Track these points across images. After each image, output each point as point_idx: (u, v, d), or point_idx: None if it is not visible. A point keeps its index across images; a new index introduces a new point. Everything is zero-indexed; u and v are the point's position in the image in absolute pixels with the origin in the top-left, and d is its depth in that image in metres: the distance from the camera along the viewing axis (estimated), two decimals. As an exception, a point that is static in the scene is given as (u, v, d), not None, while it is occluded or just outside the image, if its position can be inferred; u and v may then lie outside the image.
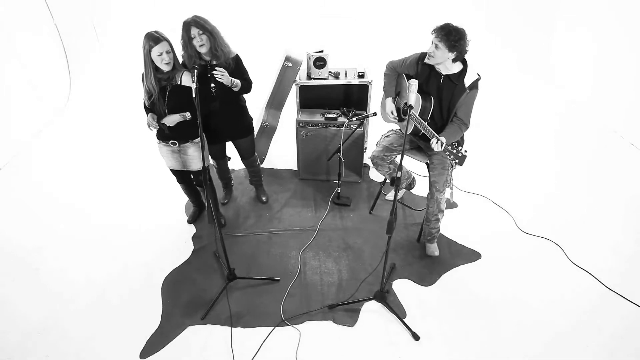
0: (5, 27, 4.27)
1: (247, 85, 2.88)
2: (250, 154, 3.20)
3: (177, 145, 2.69)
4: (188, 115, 2.52)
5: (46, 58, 4.93)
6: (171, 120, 2.53)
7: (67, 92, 5.21)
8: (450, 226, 3.12)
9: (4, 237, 3.16)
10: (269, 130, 3.66)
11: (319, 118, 3.43)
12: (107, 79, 5.53)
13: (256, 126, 3.69)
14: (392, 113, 2.76)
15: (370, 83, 3.46)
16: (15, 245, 3.08)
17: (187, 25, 2.49)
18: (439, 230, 2.87)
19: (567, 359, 2.27)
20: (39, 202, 3.51)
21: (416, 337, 2.37)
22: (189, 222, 3.25)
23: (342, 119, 3.39)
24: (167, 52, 2.37)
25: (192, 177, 2.95)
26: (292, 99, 3.55)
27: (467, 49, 2.31)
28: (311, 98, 3.56)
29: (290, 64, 3.36)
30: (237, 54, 2.73)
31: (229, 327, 2.44)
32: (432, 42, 2.33)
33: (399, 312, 2.49)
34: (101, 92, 5.34)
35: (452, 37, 2.24)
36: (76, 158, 4.13)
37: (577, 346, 2.32)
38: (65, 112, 4.97)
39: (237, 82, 2.64)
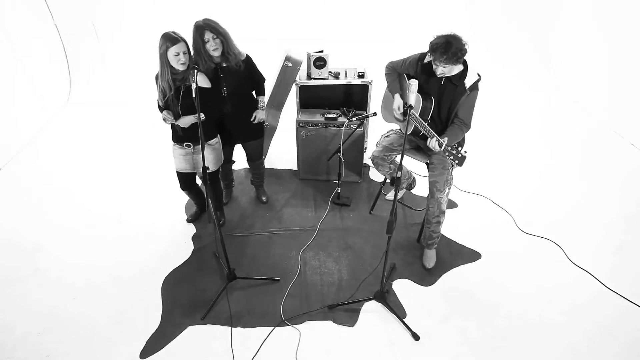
0: (5, 27, 4.27)
1: (258, 87, 2.91)
2: (259, 157, 3.21)
3: (192, 147, 2.71)
4: (202, 116, 2.53)
5: (46, 58, 4.93)
6: (185, 122, 2.55)
7: (67, 92, 5.21)
8: (450, 226, 3.11)
9: (4, 237, 3.16)
10: (269, 130, 3.66)
11: (319, 118, 3.43)
12: (108, 78, 5.53)
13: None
14: (398, 108, 2.69)
15: (370, 83, 3.46)
16: (14, 245, 3.07)
17: (201, 29, 2.49)
18: (440, 235, 2.82)
19: (568, 359, 2.27)
20: (39, 202, 3.51)
21: (416, 337, 2.37)
22: (189, 221, 3.25)
23: (342, 119, 3.39)
24: (184, 53, 2.38)
25: (198, 176, 2.97)
26: (292, 99, 3.55)
27: (466, 51, 2.28)
28: (311, 98, 3.56)
29: (290, 64, 3.36)
30: (247, 55, 2.75)
31: (229, 327, 2.44)
32: (438, 65, 2.28)
33: (399, 312, 2.49)
34: (101, 91, 5.34)
35: (455, 56, 2.20)
36: (76, 158, 4.13)
37: (578, 345, 2.32)
38: (66, 112, 4.97)
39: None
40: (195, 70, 2.18)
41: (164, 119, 2.56)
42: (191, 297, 2.65)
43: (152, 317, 2.52)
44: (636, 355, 2.27)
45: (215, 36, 2.50)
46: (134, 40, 5.37)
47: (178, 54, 2.35)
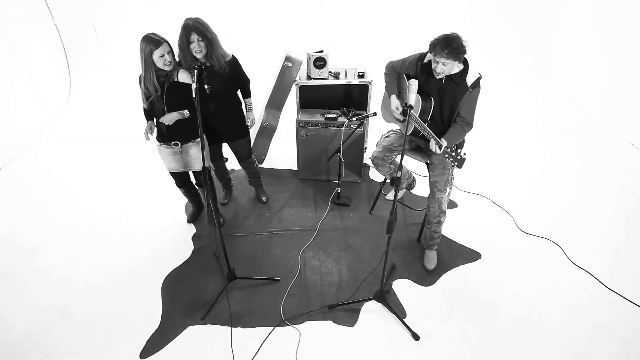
0: (5, 27, 4.27)
1: (243, 89, 2.89)
2: (247, 156, 3.20)
3: (180, 146, 2.70)
4: (186, 113, 2.53)
5: (46, 58, 4.93)
6: (169, 118, 2.53)
7: (67, 92, 5.22)
8: (450, 226, 3.11)
9: (4, 237, 3.16)
10: (269, 130, 3.66)
11: (319, 118, 3.43)
12: (107, 78, 5.53)
13: (256, 126, 3.70)
14: (397, 109, 2.69)
15: (370, 83, 3.46)
16: (14, 245, 3.07)
17: (188, 30, 2.48)
18: (441, 235, 2.83)
19: (568, 359, 2.27)
20: (39, 202, 3.51)
21: (416, 337, 2.37)
22: (189, 222, 3.25)
23: (342, 119, 3.39)
24: (169, 53, 2.38)
25: (192, 178, 2.96)
26: (292, 99, 3.55)
27: (466, 49, 2.29)
28: (311, 98, 3.56)
29: (290, 64, 3.36)
30: (233, 56, 2.72)
31: (229, 327, 2.44)
32: (438, 62, 2.27)
33: (399, 312, 2.50)
34: (101, 92, 5.34)
35: (455, 51, 2.20)
36: (76, 158, 4.13)
37: (577, 345, 2.32)
38: (66, 112, 4.97)
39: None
40: (195, 71, 2.18)
41: (144, 132, 2.52)
42: (191, 297, 2.65)
43: (152, 317, 2.52)
44: (636, 355, 2.27)
45: (200, 39, 2.49)
46: (134, 41, 5.37)
47: (163, 55, 2.35)
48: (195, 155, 2.72)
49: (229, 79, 2.73)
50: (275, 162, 3.99)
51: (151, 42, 2.31)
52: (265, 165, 3.91)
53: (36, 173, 3.90)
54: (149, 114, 2.61)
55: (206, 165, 2.79)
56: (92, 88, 5.36)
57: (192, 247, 3.04)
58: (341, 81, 3.47)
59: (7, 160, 4.03)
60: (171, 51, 2.40)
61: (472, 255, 2.93)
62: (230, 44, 2.71)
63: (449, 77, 2.40)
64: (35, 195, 3.60)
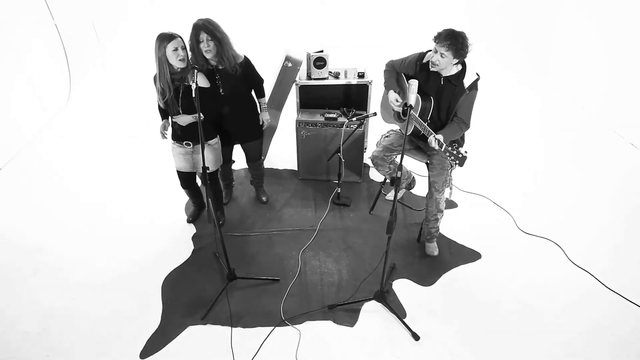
0: (5, 27, 4.27)
1: (257, 89, 2.90)
2: (257, 157, 3.22)
3: (192, 146, 2.72)
4: (201, 116, 2.54)
5: (46, 58, 4.93)
6: (183, 120, 2.57)
7: (67, 92, 5.21)
8: (450, 226, 3.12)
9: (4, 236, 3.16)
10: (268, 130, 3.66)
11: (319, 118, 3.43)
12: (107, 78, 5.53)
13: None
14: (396, 100, 2.65)
15: (370, 83, 3.46)
16: (14, 245, 3.07)
17: (197, 29, 2.48)
18: (439, 230, 2.87)
19: (567, 358, 2.27)
20: (39, 202, 3.51)
21: (416, 337, 2.37)
22: (189, 221, 3.26)
23: (342, 119, 3.40)
24: (182, 48, 2.39)
25: (198, 180, 3.00)
26: (292, 99, 3.55)
27: (468, 51, 2.30)
28: (311, 98, 3.56)
29: (290, 64, 3.36)
30: (245, 57, 2.73)
31: (229, 327, 2.44)
32: (437, 51, 2.29)
33: (399, 312, 2.50)
34: (101, 91, 5.34)
35: (458, 45, 2.23)
36: (76, 158, 4.13)
37: (577, 345, 2.32)
38: (66, 112, 4.97)
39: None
40: (196, 71, 2.18)
41: (160, 132, 2.69)
42: (191, 297, 2.65)
43: (152, 317, 2.52)
44: (636, 354, 2.27)
45: (209, 38, 2.49)
46: (134, 40, 5.38)
47: (176, 49, 2.36)
48: (206, 157, 2.73)
49: (241, 80, 2.73)
50: (275, 162, 3.99)
51: (165, 38, 2.34)
52: (265, 165, 3.90)
53: (36, 173, 3.90)
54: (164, 112, 2.66)
55: (215, 169, 2.82)
56: (92, 88, 5.35)
57: (192, 247, 3.04)
58: (341, 81, 3.47)
59: (7, 160, 4.03)
60: (185, 47, 2.41)
61: (472, 255, 2.93)
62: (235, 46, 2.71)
63: (447, 79, 2.41)
64: (35, 196, 3.60)
